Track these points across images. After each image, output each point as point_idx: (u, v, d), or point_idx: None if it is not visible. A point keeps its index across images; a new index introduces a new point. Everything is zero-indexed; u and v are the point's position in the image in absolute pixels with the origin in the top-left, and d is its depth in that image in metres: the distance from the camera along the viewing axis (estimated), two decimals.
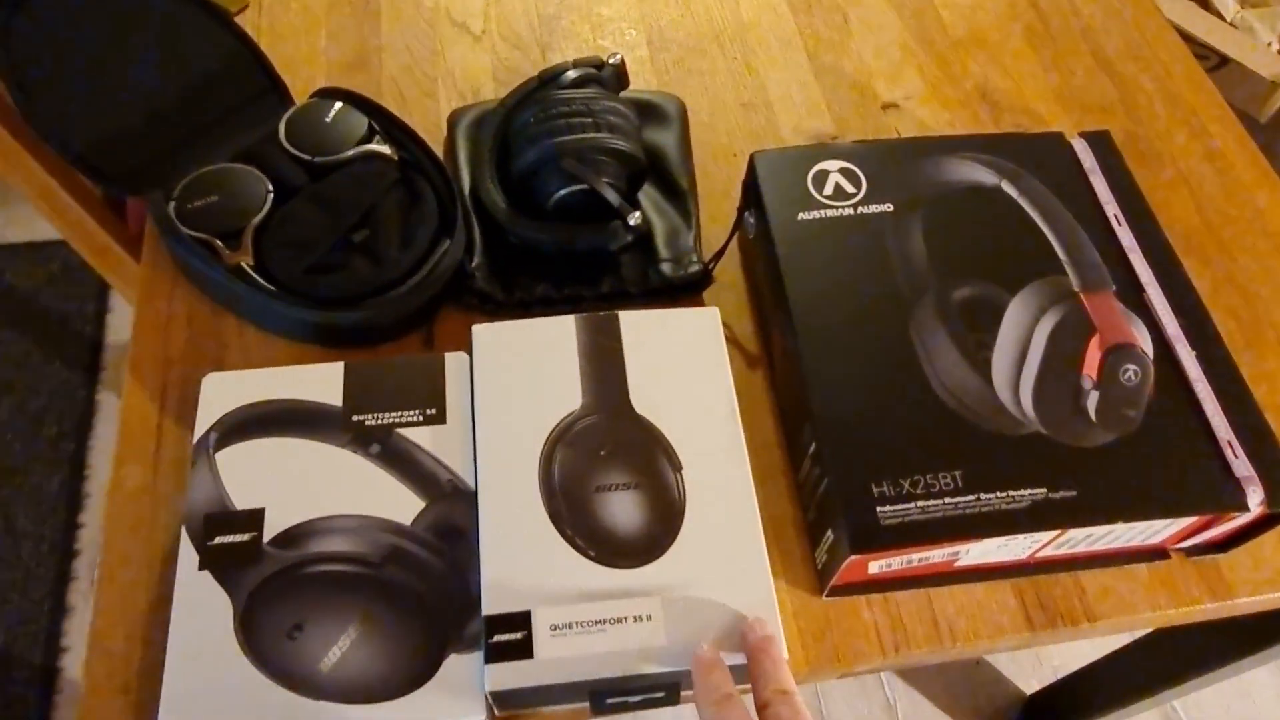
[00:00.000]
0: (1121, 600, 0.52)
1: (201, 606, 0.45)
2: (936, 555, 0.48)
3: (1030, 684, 1.22)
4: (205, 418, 0.50)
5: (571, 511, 0.47)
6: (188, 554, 0.46)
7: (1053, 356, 0.51)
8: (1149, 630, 0.91)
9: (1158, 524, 0.48)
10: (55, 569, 1.19)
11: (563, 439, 0.49)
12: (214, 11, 0.64)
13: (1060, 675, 1.14)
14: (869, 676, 1.21)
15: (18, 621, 1.15)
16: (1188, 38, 1.16)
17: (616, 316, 0.54)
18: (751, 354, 0.60)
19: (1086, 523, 0.46)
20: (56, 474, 1.25)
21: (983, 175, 0.58)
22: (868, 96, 0.73)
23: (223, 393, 0.51)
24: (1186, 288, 0.54)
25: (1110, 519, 0.47)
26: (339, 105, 0.63)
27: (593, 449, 0.49)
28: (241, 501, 0.47)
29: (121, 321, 1.40)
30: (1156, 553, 0.53)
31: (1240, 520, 0.49)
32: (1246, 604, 0.53)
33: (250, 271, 0.56)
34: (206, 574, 0.46)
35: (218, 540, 0.46)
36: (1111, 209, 0.57)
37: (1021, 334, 0.52)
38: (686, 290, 0.61)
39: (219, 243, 0.57)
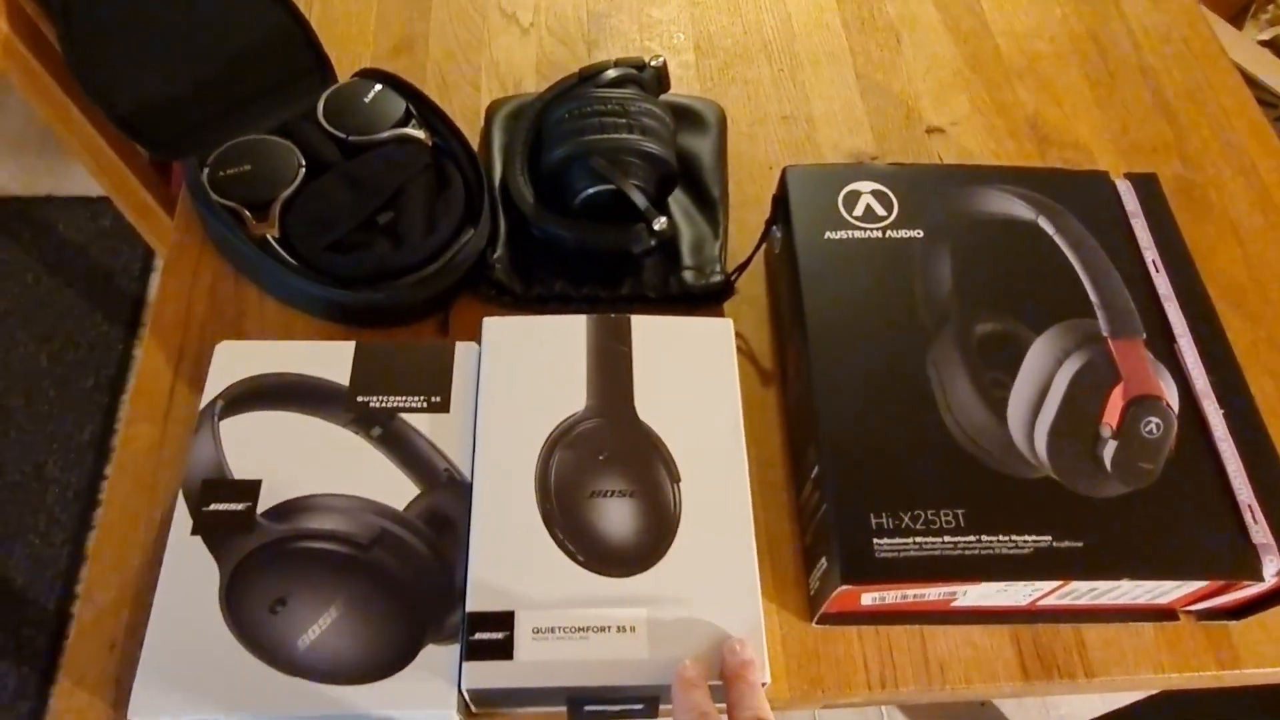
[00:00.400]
0: (1124, 658, 0.51)
1: (190, 571, 0.45)
2: (932, 593, 0.47)
3: None
4: (214, 384, 0.50)
5: (565, 514, 0.47)
6: (182, 517, 0.46)
7: (1072, 401, 0.49)
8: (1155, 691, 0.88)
9: (1167, 584, 0.47)
10: (77, 517, 1.22)
11: (563, 440, 0.49)
12: None
13: None
14: (871, 710, 1.19)
15: (37, 564, 1.17)
16: (1253, 83, 1.12)
17: (629, 319, 0.53)
18: (766, 370, 0.59)
19: (1091, 576, 0.45)
20: (88, 425, 1.28)
21: (1019, 209, 0.56)
22: (913, 119, 0.72)
23: (234, 361, 0.51)
24: (1221, 342, 0.52)
25: (1116, 575, 0.45)
26: (378, 87, 0.63)
27: (592, 453, 0.48)
28: (240, 471, 0.48)
29: None
30: (1164, 613, 0.51)
31: (1255, 589, 0.47)
32: (1255, 675, 0.51)
33: (274, 244, 0.57)
34: (198, 539, 0.46)
35: (213, 507, 0.47)
36: (1150, 254, 0.55)
37: (1042, 375, 0.50)
38: (706, 300, 0.61)
39: (247, 212, 0.58)
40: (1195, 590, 0.48)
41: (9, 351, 1.33)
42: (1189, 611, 0.51)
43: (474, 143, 0.65)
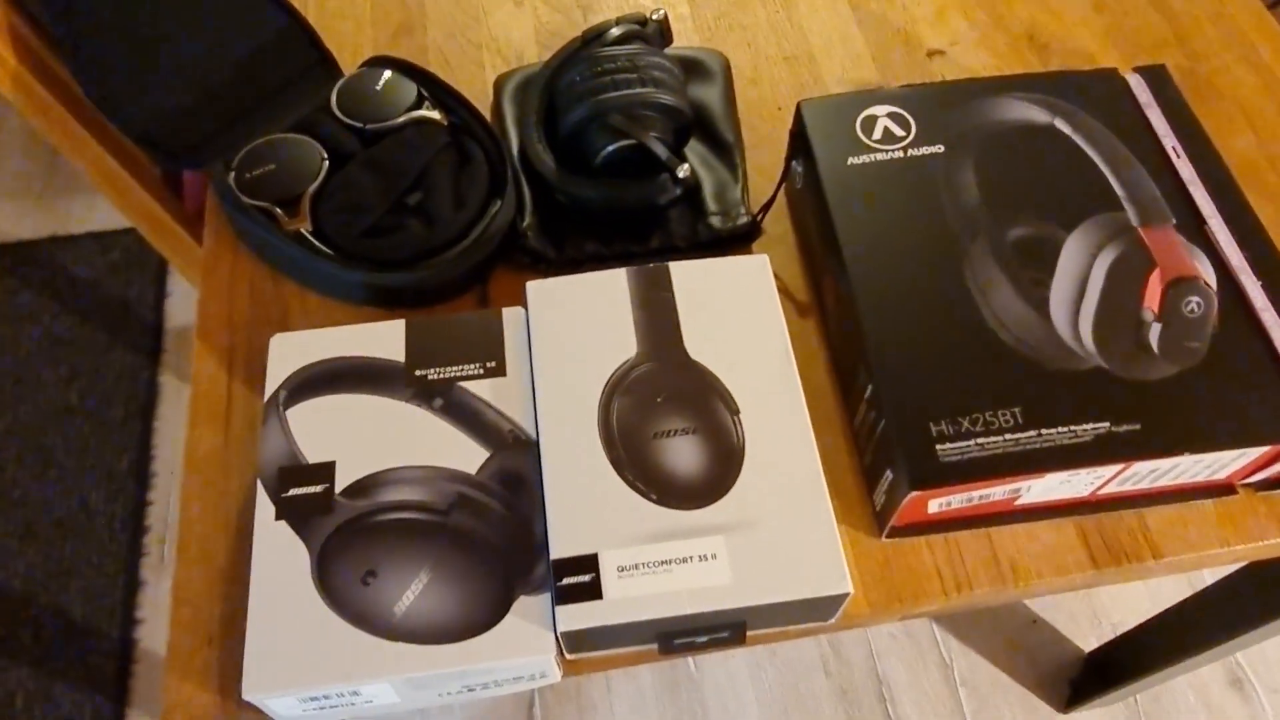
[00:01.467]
0: (1188, 537, 0.52)
1: (279, 555, 0.46)
2: (997, 492, 0.48)
3: (1089, 642, 1.21)
4: (274, 376, 0.52)
5: (632, 457, 0.48)
6: (264, 505, 0.48)
7: (1112, 291, 0.50)
8: (1210, 582, 0.89)
9: (1225, 456, 0.48)
10: (127, 545, 1.23)
11: (620, 387, 0.50)
12: None
13: (1119, 632, 1.13)
14: (924, 636, 1.21)
15: (94, 595, 1.19)
16: None
17: (667, 267, 0.54)
18: (802, 303, 0.60)
19: (1152, 455, 0.46)
20: (125, 454, 1.29)
21: (1035, 114, 0.57)
22: (912, 44, 0.72)
23: (290, 352, 0.52)
24: (1250, 219, 0.53)
25: (1176, 451, 0.46)
26: (388, 74, 0.64)
27: (649, 396, 0.50)
28: (312, 455, 0.49)
29: (180, 306, 1.44)
30: (1223, 488, 0.52)
31: None
32: None
33: (309, 237, 0.58)
34: (283, 524, 0.47)
35: (292, 492, 0.48)
36: (1169, 141, 0.56)
37: (1079, 270, 0.51)
38: (735, 243, 0.61)
39: (278, 210, 0.59)
40: (1252, 460, 0.49)
41: (38, 392, 1.34)
42: (1246, 484, 0.52)
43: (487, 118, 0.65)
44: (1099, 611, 1.23)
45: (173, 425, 1.34)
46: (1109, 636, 1.17)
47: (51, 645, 1.16)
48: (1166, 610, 1.01)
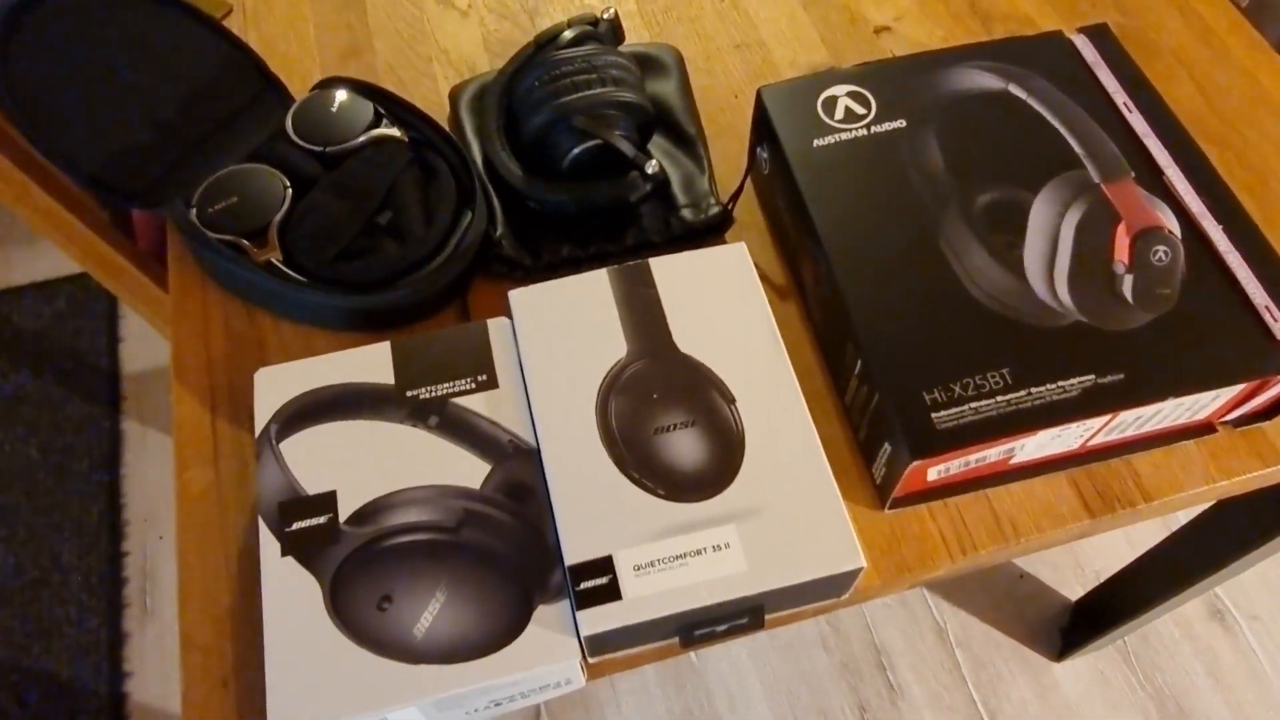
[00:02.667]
0: (1175, 477, 0.53)
1: (290, 591, 0.46)
2: (993, 454, 0.49)
3: (1075, 590, 1.24)
4: (263, 411, 0.51)
5: (634, 455, 0.48)
6: (269, 542, 0.47)
7: (1083, 247, 0.51)
8: (1189, 519, 0.92)
9: (1205, 397, 0.49)
10: (106, 599, 1.20)
11: (615, 387, 0.50)
12: (201, 18, 0.64)
13: (1103, 578, 1.16)
14: (917, 603, 1.23)
15: (78, 653, 1.16)
16: None
17: (648, 264, 0.55)
18: (780, 286, 0.61)
19: (1138, 403, 0.47)
20: (94, 505, 1.26)
21: (989, 81, 0.58)
22: (859, 22, 0.73)
23: (276, 385, 0.52)
24: (1205, 166, 0.55)
25: (1160, 396, 0.48)
26: (342, 94, 0.63)
27: (645, 393, 0.50)
28: (312, 487, 0.48)
29: (135, 350, 1.41)
30: (1204, 428, 0.54)
31: None
32: None
33: (281, 266, 0.57)
34: (290, 559, 0.46)
35: (295, 526, 0.47)
36: (1120, 98, 0.57)
37: (1049, 230, 0.52)
38: (709, 233, 0.62)
39: (245, 242, 0.58)
40: (1230, 399, 0.51)
41: None
42: (1225, 423, 0.54)
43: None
44: (1082, 560, 1.26)
45: (140, 473, 1.31)
46: (1093, 584, 1.20)
47: (39, 710, 1.13)
48: (1145, 553, 1.04)
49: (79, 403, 1.35)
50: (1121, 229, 0.52)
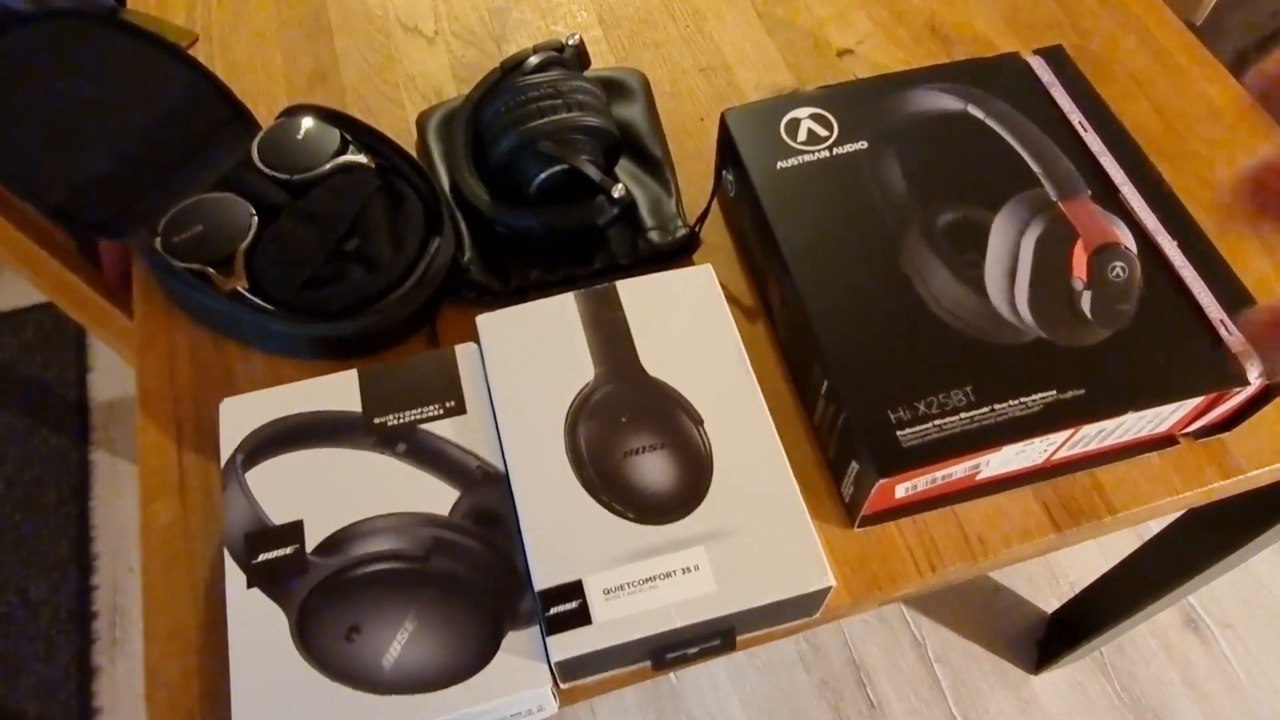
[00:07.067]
0: (1138, 490, 0.54)
1: (256, 623, 0.45)
2: (959, 470, 0.50)
3: (1050, 603, 1.25)
4: (229, 441, 0.50)
5: (604, 479, 0.48)
6: (234, 574, 0.47)
7: (1042, 265, 0.52)
8: (1160, 529, 0.93)
9: (1165, 410, 0.50)
10: (75, 633, 1.18)
11: (583, 411, 0.50)
12: (166, 47, 0.64)
13: (1077, 590, 1.17)
14: (895, 619, 1.23)
15: (46, 690, 1.14)
16: None
17: (615, 287, 0.55)
18: (748, 308, 0.61)
19: (1098, 417, 0.48)
20: (63, 539, 1.24)
21: (948, 102, 0.59)
22: (821, 45, 0.74)
23: (241, 415, 0.51)
24: (1159, 183, 0.56)
25: (1120, 410, 0.48)
26: (309, 121, 0.63)
27: (614, 416, 0.50)
28: (278, 517, 0.48)
29: (104, 380, 1.39)
30: (1166, 440, 0.55)
31: (1241, 396, 0.51)
32: (1255, 476, 0.55)
33: (247, 294, 0.57)
34: (256, 591, 0.46)
35: (261, 557, 0.47)
36: (1075, 117, 0.58)
37: (1009, 249, 0.53)
38: (675, 256, 0.62)
39: (212, 271, 0.57)
40: (1190, 410, 0.51)
41: None
42: (1187, 434, 0.55)
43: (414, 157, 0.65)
44: (1056, 573, 1.27)
45: (109, 505, 1.29)
46: (1068, 595, 1.21)
47: None
48: (1119, 564, 1.05)
49: (47, 434, 1.33)
50: (1079, 246, 0.53)
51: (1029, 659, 1.21)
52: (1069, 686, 1.19)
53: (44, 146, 0.59)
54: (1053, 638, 1.21)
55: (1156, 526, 1.25)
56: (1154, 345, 0.50)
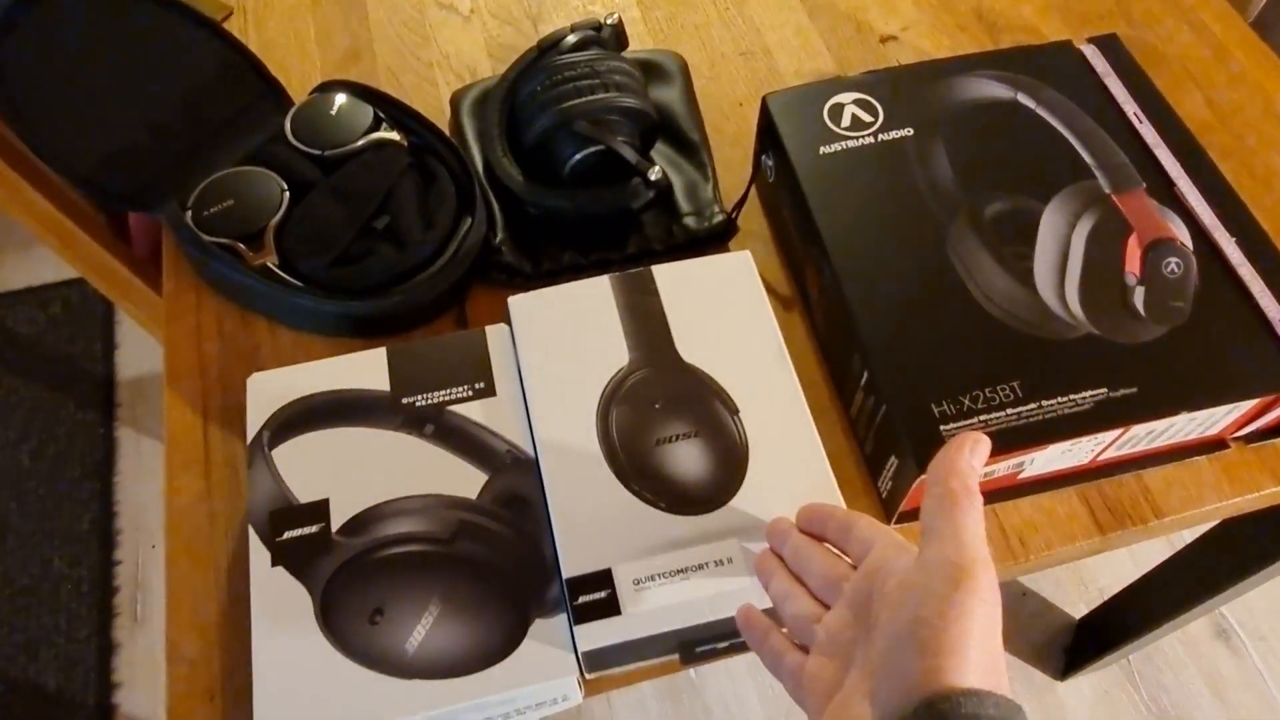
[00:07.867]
0: (1186, 494, 0.52)
1: (280, 601, 0.45)
2: (1002, 468, 0.48)
3: (1079, 609, 1.23)
4: (255, 417, 0.50)
5: (635, 466, 0.47)
6: (259, 552, 0.46)
7: (1094, 259, 0.50)
8: (1196, 537, 0.91)
9: (1218, 412, 0.48)
10: (97, 608, 1.19)
11: (616, 396, 0.49)
12: (202, 21, 0.63)
13: (1106, 596, 1.15)
14: None
15: (67, 663, 1.14)
16: None
17: (650, 271, 0.54)
18: (785, 297, 0.60)
19: (1151, 417, 0.46)
20: (86, 514, 1.25)
21: (998, 90, 0.58)
22: (865, 32, 0.73)
23: (269, 391, 0.50)
24: (1216, 177, 0.54)
25: (1173, 410, 0.46)
26: (342, 97, 0.62)
27: (647, 403, 0.49)
28: (304, 495, 0.47)
29: (131, 356, 1.40)
30: (1216, 444, 0.53)
31: None
32: None
33: (277, 270, 0.56)
34: (280, 569, 0.45)
35: (286, 535, 0.46)
36: (1130, 108, 0.56)
37: (1060, 241, 0.51)
38: (712, 241, 0.61)
39: (241, 246, 0.57)
40: (1243, 414, 0.50)
41: None
42: (1237, 438, 0.53)
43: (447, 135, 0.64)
44: (1085, 578, 1.25)
45: (133, 480, 1.30)
46: (1097, 602, 1.19)
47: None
48: (1150, 571, 1.03)
49: (72, 409, 1.33)
50: (1133, 240, 0.51)
51: (1055, 665, 1.19)
52: (1095, 694, 1.17)
53: (77, 117, 0.58)
54: (1080, 644, 1.19)
55: (1190, 534, 1.22)
56: (1209, 344, 0.48)
